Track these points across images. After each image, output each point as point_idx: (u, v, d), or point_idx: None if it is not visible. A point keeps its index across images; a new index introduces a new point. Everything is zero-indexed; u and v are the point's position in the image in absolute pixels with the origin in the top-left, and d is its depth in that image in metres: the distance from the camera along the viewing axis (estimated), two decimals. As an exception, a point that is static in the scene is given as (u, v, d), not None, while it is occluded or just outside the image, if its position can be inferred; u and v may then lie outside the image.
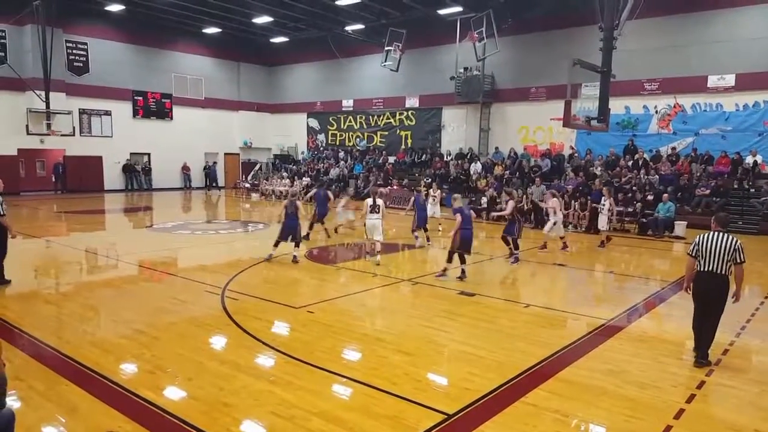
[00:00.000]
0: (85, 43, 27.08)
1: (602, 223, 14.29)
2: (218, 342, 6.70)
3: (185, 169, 31.49)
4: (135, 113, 29.24)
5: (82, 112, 27.17)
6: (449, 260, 10.02)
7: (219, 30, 29.74)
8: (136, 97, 29.17)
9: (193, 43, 30.99)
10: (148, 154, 30.21)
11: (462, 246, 9.96)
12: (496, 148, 24.60)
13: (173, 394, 5.16)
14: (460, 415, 4.75)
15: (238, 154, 34.12)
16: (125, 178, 29.30)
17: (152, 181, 30.13)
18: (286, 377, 5.53)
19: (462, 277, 9.85)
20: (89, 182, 27.46)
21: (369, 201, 11.47)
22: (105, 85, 27.61)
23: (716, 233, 6.09)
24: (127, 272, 10.73)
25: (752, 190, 17.65)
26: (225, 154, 33.56)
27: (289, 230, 11.24)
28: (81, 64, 27.06)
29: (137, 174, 29.72)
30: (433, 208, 15.47)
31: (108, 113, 28.18)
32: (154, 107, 29.95)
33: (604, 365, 5.99)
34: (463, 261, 9.99)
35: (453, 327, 7.38)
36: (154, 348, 6.29)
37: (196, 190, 31.19)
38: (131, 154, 29.35)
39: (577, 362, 6.07)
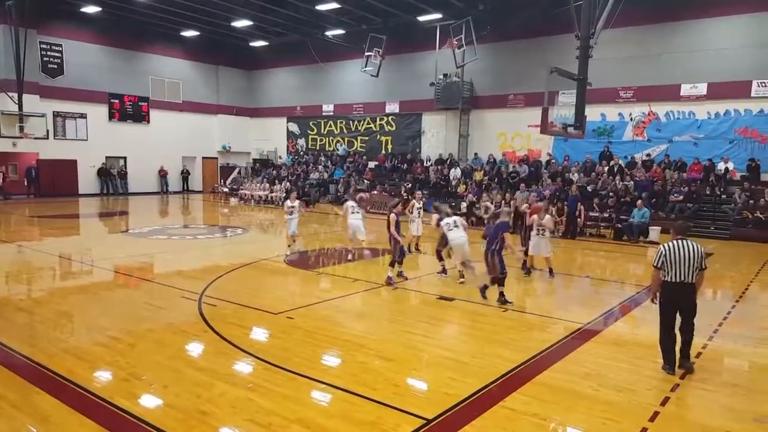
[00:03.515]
0: (60, 45, 26.59)
1: (544, 248, 10.85)
2: (195, 349, 6.61)
3: (162, 173, 31.07)
4: (111, 116, 28.77)
5: (56, 114, 26.64)
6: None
7: (197, 33, 29.50)
8: (112, 100, 28.71)
9: (171, 45, 30.65)
10: (125, 158, 29.74)
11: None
12: (476, 153, 24.83)
13: (149, 403, 5.07)
14: (439, 420, 4.76)
15: (217, 158, 33.81)
16: (101, 182, 28.79)
17: (128, 186, 29.65)
18: (265, 384, 5.48)
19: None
20: (63, 186, 26.92)
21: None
22: (80, 87, 27.14)
23: (679, 242, 5.96)
24: (102, 278, 10.54)
25: (724, 196, 18.12)
26: (203, 158, 33.21)
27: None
28: (55, 66, 26.55)
29: (113, 178, 29.23)
30: (290, 223, 12.98)
31: (83, 116, 27.68)
32: (130, 110, 29.52)
33: (581, 369, 6.07)
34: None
35: (433, 332, 7.40)
36: (130, 355, 6.18)
37: (174, 195, 30.79)
38: (107, 157, 28.86)
39: (554, 366, 6.14)
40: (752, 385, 5.96)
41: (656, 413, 5.00)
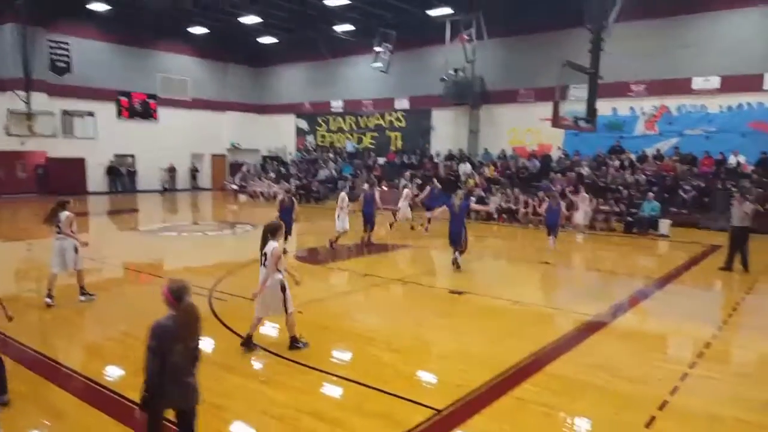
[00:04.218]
0: (68, 43, 26.71)
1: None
2: (206, 344, 6.64)
3: (171, 171, 31.21)
4: (119, 114, 28.90)
5: (64, 113, 26.75)
6: None
7: (205, 30, 29.54)
8: (120, 98, 28.84)
9: (179, 43, 30.73)
10: (133, 156, 29.90)
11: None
12: (486, 149, 24.74)
13: (162, 395, 5.11)
14: (449, 410, 4.79)
15: (225, 156, 33.93)
16: (109, 180, 28.97)
17: (137, 183, 29.80)
18: (278, 377, 5.53)
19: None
20: (72, 184, 26.98)
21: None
22: (88, 85, 27.25)
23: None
24: (112, 275, 10.64)
25: (735, 190, 17.90)
26: (212, 155, 33.33)
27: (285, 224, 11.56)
28: (64, 64, 26.70)
29: (121, 176, 29.39)
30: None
31: (91, 114, 27.79)
32: (138, 108, 29.64)
33: (590, 360, 6.07)
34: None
35: (443, 325, 7.42)
36: (140, 350, 6.18)
37: (182, 192, 30.94)
38: (115, 155, 29.03)
39: (563, 357, 6.15)
40: (761, 375, 5.94)
41: (665, 402, 5.00)
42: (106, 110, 28.26)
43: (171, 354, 3.55)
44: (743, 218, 10.83)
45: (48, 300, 7.87)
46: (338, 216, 12.90)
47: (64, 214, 8.01)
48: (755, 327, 7.73)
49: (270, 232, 6.17)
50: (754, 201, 16.17)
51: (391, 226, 15.69)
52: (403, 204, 15.56)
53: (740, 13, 19.03)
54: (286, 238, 12.01)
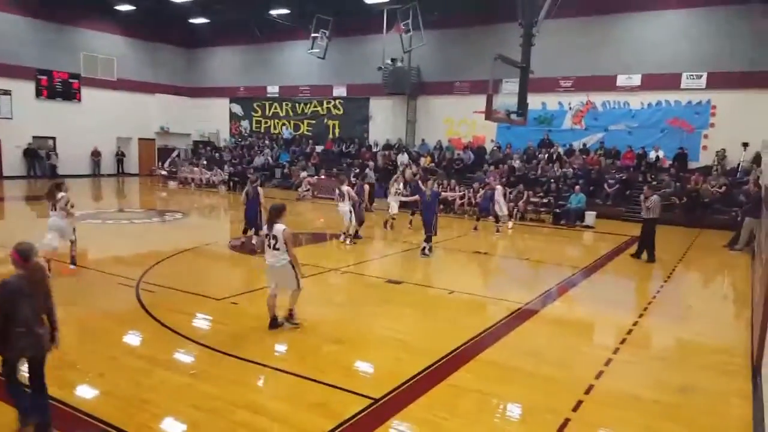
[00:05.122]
0: (-21, 15, 24.60)
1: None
2: (133, 337, 6.37)
3: (95, 155, 29.51)
4: (38, 94, 26.94)
5: (-24, 90, 24.74)
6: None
7: (133, 7, 27.97)
8: (39, 76, 26.86)
9: (105, 20, 28.92)
10: (54, 138, 28.01)
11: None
12: (423, 139, 24.99)
13: (85, 392, 4.86)
14: (386, 398, 4.82)
15: (154, 140, 32.42)
16: (27, 164, 27.02)
17: (57, 167, 27.95)
18: (210, 370, 5.36)
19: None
20: (-16, 168, 25.11)
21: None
22: (3, 61, 25.23)
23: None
24: (30, 264, 9.93)
25: (654, 183, 19.05)
26: (139, 139, 31.74)
27: (251, 217, 11.31)
28: (-26, 38, 24.56)
29: (40, 159, 27.47)
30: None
31: (7, 93, 25.77)
32: (60, 88, 27.76)
33: (522, 346, 6.29)
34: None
35: (380, 314, 7.46)
36: (62, 344, 5.85)
37: (108, 177, 29.35)
38: (34, 137, 27.09)
39: (496, 344, 6.33)
40: (677, 359, 6.37)
41: (591, 386, 5.25)
42: (23, 89, 26.24)
43: (20, 308, 3.88)
44: (647, 211, 11.58)
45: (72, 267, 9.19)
46: (353, 209, 12.32)
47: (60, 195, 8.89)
48: (672, 314, 8.27)
49: (275, 215, 6.44)
50: (668, 195, 17.40)
51: (386, 224, 14.91)
52: (392, 199, 14.89)
53: (661, 15, 20.16)
54: (256, 232, 11.30)
